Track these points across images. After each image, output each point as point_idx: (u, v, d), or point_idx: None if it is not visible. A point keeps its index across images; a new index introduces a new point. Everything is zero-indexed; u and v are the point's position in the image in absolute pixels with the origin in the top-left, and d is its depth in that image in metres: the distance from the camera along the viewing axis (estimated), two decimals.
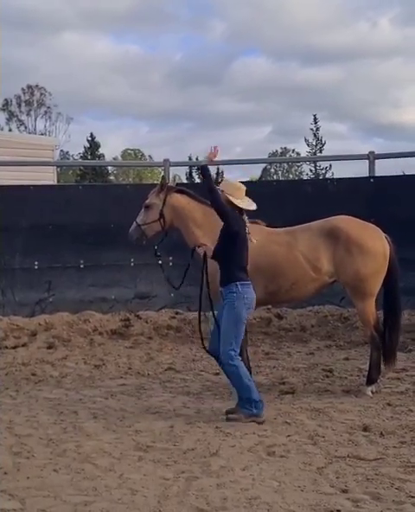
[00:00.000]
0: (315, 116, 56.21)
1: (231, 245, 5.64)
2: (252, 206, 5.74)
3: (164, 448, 4.92)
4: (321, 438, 5.08)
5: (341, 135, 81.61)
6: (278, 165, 66.89)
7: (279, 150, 65.53)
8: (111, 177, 54.19)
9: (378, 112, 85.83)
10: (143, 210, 6.70)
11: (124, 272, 9.74)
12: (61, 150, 51.20)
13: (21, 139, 19.25)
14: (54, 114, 55.22)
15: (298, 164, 63.77)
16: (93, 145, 53.08)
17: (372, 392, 6.26)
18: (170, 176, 10.63)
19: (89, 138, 53.24)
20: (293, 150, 64.34)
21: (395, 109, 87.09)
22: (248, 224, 5.78)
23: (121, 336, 9.07)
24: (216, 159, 5.96)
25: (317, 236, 6.37)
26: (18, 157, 14.82)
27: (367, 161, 9.97)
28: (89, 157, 51.11)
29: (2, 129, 49.08)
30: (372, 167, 9.91)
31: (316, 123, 55.77)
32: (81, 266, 9.76)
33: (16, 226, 9.52)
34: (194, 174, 49.12)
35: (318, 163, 54.21)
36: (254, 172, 55.97)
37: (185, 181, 44.45)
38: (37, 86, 54.96)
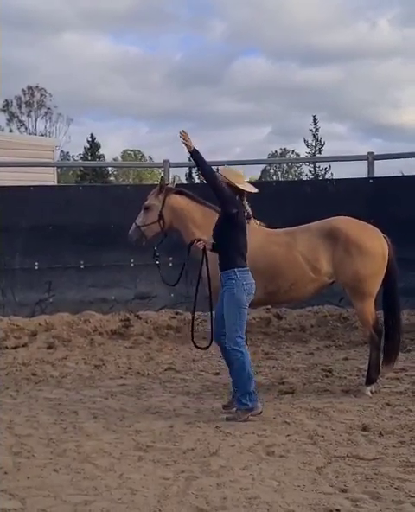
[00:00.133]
0: (314, 117, 56.28)
1: (228, 228, 5.66)
2: (254, 189, 5.77)
3: (164, 448, 4.93)
4: (320, 437, 5.09)
5: (340, 135, 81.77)
6: (278, 166, 66.97)
7: (279, 151, 65.60)
8: (112, 178, 54.21)
9: (377, 112, 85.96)
10: (142, 211, 6.72)
11: (124, 273, 9.76)
12: (62, 151, 51.27)
13: (21, 140, 19.27)
14: (54, 115, 55.30)
15: (298, 165, 63.86)
16: (93, 146, 53.12)
17: (371, 392, 6.27)
18: (170, 177, 10.66)
19: (89, 139, 53.30)
20: (292, 151, 64.44)
21: (394, 109, 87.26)
22: (250, 214, 5.81)
23: (121, 337, 9.08)
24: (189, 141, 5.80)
25: (317, 237, 6.39)
26: (19, 158, 14.83)
27: (366, 162, 9.99)
28: (89, 158, 51.13)
29: (2, 130, 49.09)
30: (371, 168, 9.94)
31: (315, 123, 55.83)
32: (81, 267, 9.78)
33: (17, 226, 9.54)
34: (193, 174, 49.15)
35: (317, 164, 54.31)
36: (254, 173, 56.00)
37: (185, 181, 44.51)
38: (37, 87, 55.03)
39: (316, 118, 56.26)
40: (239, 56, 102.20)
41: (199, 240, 5.86)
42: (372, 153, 10.03)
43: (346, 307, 8.96)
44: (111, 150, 69.27)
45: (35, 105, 54.99)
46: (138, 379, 7.18)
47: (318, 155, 53.45)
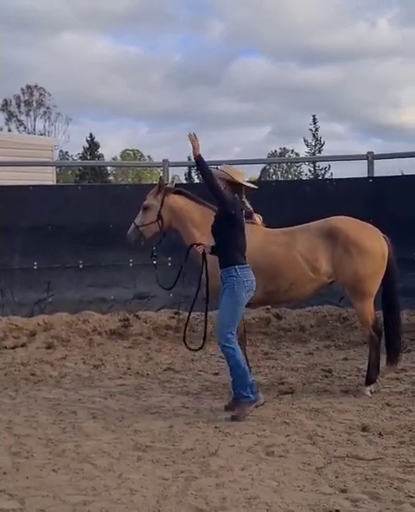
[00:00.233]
0: (314, 116, 56.34)
1: (227, 226, 5.68)
2: (254, 185, 5.80)
3: (163, 448, 4.93)
4: (320, 437, 5.08)
5: (339, 135, 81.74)
6: (277, 165, 66.96)
7: (278, 151, 65.59)
8: (111, 178, 54.23)
9: (377, 112, 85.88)
10: (141, 211, 6.71)
11: (124, 273, 9.75)
12: (61, 151, 51.19)
13: (20, 139, 19.25)
14: (53, 114, 55.29)
15: (297, 165, 63.85)
16: (93, 146, 53.14)
17: (371, 392, 6.27)
18: (169, 177, 10.65)
19: (88, 139, 53.30)
20: (292, 151, 64.44)
21: (394, 109, 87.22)
22: (250, 210, 5.86)
23: (120, 336, 9.07)
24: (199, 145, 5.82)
25: (316, 236, 6.38)
26: (17, 158, 14.82)
27: (366, 161, 9.98)
28: (88, 158, 51.14)
29: (1, 129, 49.08)
30: (370, 167, 9.93)
31: (314, 123, 55.87)
32: (80, 267, 9.77)
33: (16, 226, 9.53)
34: (193, 174, 49.13)
35: (317, 164, 54.33)
36: (253, 172, 56.01)
37: (184, 181, 44.48)
38: (36, 86, 55.01)
39: (316, 117, 56.40)
40: (238, 56, 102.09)
41: (198, 245, 5.88)
42: (371, 153, 10.03)
43: (345, 307, 8.96)
44: (110, 150, 69.56)
45: (34, 105, 54.99)
46: (137, 379, 7.17)
47: (318, 154, 53.50)
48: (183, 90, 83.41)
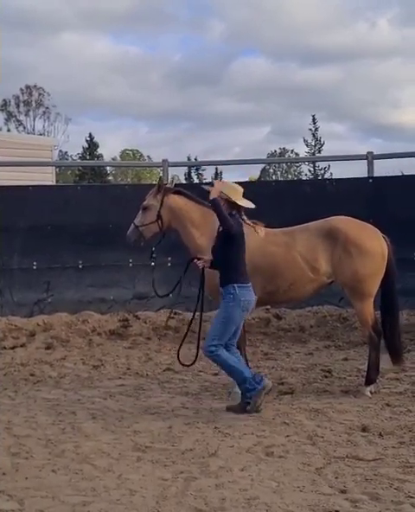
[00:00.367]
0: (313, 116, 56.37)
1: (229, 248, 5.72)
2: (251, 205, 5.82)
3: (163, 448, 4.92)
4: (319, 438, 5.08)
5: (339, 135, 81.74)
6: (277, 165, 66.98)
7: (278, 151, 65.61)
8: (110, 178, 54.24)
9: (377, 112, 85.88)
10: (140, 212, 6.70)
11: (123, 273, 9.75)
12: (60, 151, 51.16)
13: (19, 140, 19.26)
14: (52, 114, 55.27)
15: (297, 165, 63.88)
16: (92, 145, 53.13)
17: (370, 392, 6.26)
18: (169, 177, 10.64)
19: (88, 139, 53.30)
20: (292, 151, 64.47)
21: (394, 109, 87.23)
22: (247, 223, 5.84)
23: (120, 337, 9.07)
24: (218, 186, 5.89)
25: (316, 237, 6.38)
26: (17, 158, 14.82)
27: (366, 161, 9.98)
28: (88, 158, 51.14)
29: (0, 129, 49.06)
30: (370, 167, 9.93)
31: (314, 123, 55.90)
32: (80, 267, 9.77)
33: (15, 226, 9.52)
34: (192, 174, 49.12)
35: (317, 164, 54.38)
36: (253, 172, 56.03)
37: (184, 181, 44.44)
38: (36, 86, 54.98)
39: (316, 117, 56.48)
40: (238, 56, 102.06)
41: (199, 259, 5.90)
42: (371, 153, 10.02)
43: (345, 307, 8.96)
44: (109, 150, 69.50)
45: (34, 105, 54.97)
46: (137, 379, 7.17)
47: (318, 154, 53.53)
48: (183, 90, 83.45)
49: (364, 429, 5.23)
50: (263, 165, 62.37)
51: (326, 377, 7.00)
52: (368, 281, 6.32)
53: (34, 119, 55.25)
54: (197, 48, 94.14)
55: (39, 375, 7.34)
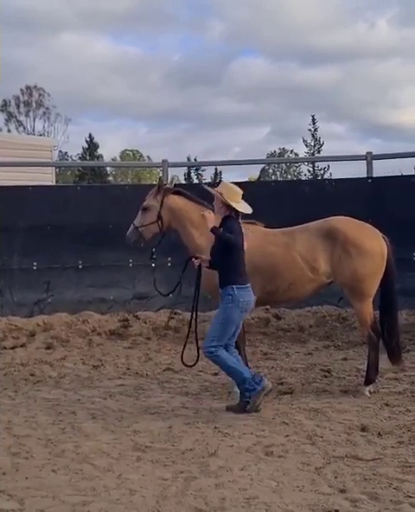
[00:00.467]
0: (313, 117, 56.37)
1: (228, 252, 5.73)
2: (249, 210, 5.84)
3: (163, 448, 4.93)
4: (319, 438, 5.09)
5: (339, 135, 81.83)
6: (277, 166, 67.01)
7: (278, 151, 65.65)
8: (110, 178, 54.24)
9: (376, 112, 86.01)
10: (140, 212, 6.71)
11: (123, 273, 9.76)
12: (60, 151, 51.15)
13: (19, 140, 19.26)
14: (52, 115, 55.28)
15: (296, 165, 63.89)
16: (92, 146, 53.16)
17: (370, 392, 6.28)
18: (169, 177, 10.65)
19: (87, 139, 53.32)
20: (291, 151, 64.50)
21: (393, 110, 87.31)
22: (244, 226, 5.86)
23: (120, 337, 9.08)
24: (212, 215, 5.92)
25: (315, 237, 6.39)
26: (17, 158, 14.82)
27: (365, 161, 9.99)
28: (88, 158, 51.14)
29: (0, 130, 49.06)
30: (370, 167, 9.94)
31: (314, 123, 55.91)
32: (80, 267, 9.78)
33: (15, 226, 9.54)
34: (192, 174, 49.13)
35: (316, 164, 54.39)
36: (253, 172, 56.07)
37: (183, 181, 44.41)
38: (36, 86, 55.02)
39: (315, 118, 56.48)
40: (238, 56, 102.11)
41: (196, 258, 5.91)
42: (370, 153, 10.03)
43: (345, 307, 8.97)
44: (109, 150, 69.53)
45: (34, 105, 54.98)
46: (137, 379, 7.18)
47: (317, 155, 53.54)
48: (183, 90, 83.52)
49: (363, 429, 5.24)
50: (262, 165, 62.44)
51: (325, 377, 7.01)
52: (368, 281, 6.33)
53: (34, 120, 55.32)
54: (197, 48, 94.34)
55: (39, 375, 7.35)
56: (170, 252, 8.18)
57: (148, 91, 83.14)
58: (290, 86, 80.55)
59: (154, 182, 7.75)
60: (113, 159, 57.40)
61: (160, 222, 6.61)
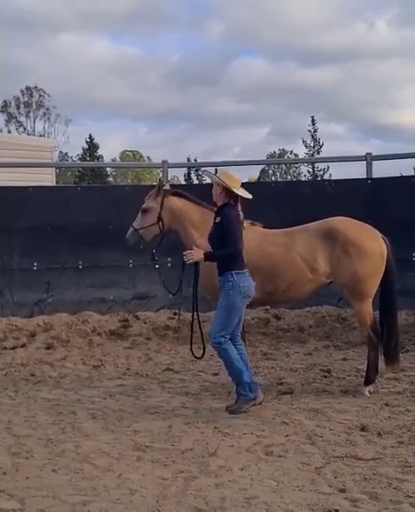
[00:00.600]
0: (312, 117, 56.38)
1: (226, 242, 5.70)
2: (249, 195, 5.84)
3: (163, 448, 4.94)
4: (319, 437, 5.10)
5: (338, 136, 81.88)
6: (276, 166, 67.02)
7: (277, 152, 65.65)
8: (110, 178, 54.24)
9: (375, 112, 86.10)
10: (139, 214, 6.71)
11: (123, 273, 9.76)
12: (60, 152, 51.18)
13: (20, 141, 19.27)
14: (52, 116, 55.28)
15: (296, 166, 63.89)
16: (92, 147, 53.14)
17: (369, 392, 6.28)
18: (169, 178, 10.67)
19: (87, 140, 53.32)
20: (291, 152, 64.50)
21: (393, 110, 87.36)
22: (245, 224, 5.87)
23: (120, 337, 9.08)
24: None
25: (315, 237, 6.39)
26: (17, 159, 14.84)
27: (365, 162, 10.00)
28: (88, 159, 51.12)
29: (1, 130, 49.05)
30: (369, 168, 9.95)
31: (313, 124, 55.92)
32: (80, 267, 9.78)
33: (15, 226, 9.54)
34: (192, 175, 49.14)
35: (316, 165, 54.39)
36: (252, 173, 56.08)
37: (183, 182, 44.44)
38: (36, 87, 55.00)
39: (315, 118, 56.47)
40: (237, 57, 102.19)
41: (191, 251, 5.89)
42: (370, 154, 10.04)
43: (344, 307, 8.97)
44: (109, 151, 69.58)
45: (34, 106, 54.98)
46: (137, 379, 7.19)
47: (317, 155, 53.55)
48: (182, 90, 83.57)
49: (363, 429, 5.24)
50: (262, 166, 62.46)
51: (325, 377, 7.02)
52: (367, 281, 6.33)
53: (34, 121, 55.31)
54: (196, 49, 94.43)
55: (39, 375, 7.35)
56: (170, 252, 8.18)
57: (147, 91, 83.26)
58: (289, 87, 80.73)
59: (154, 183, 7.76)
60: (113, 160, 57.39)
61: (160, 224, 6.63)
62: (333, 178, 30.44)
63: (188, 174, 51.31)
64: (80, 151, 53.69)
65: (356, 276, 6.28)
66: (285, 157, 62.47)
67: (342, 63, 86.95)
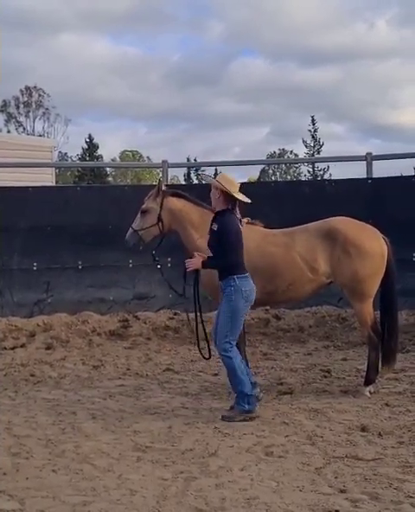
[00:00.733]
0: (313, 117, 56.41)
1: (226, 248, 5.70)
2: (248, 199, 5.82)
3: (163, 448, 4.93)
4: (319, 438, 5.09)
5: (338, 136, 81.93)
6: (276, 166, 67.04)
7: (277, 152, 65.66)
8: (110, 178, 54.24)
9: (376, 112, 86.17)
10: (139, 215, 6.70)
11: (123, 273, 9.76)
12: (60, 152, 51.24)
13: (19, 141, 19.26)
14: (52, 116, 55.28)
15: (296, 165, 63.92)
16: (92, 146, 53.14)
17: (370, 392, 6.28)
18: (168, 178, 10.67)
19: (87, 140, 53.31)
20: (291, 152, 64.51)
21: (393, 110, 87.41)
22: (244, 222, 5.87)
23: (119, 337, 9.07)
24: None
25: (315, 237, 6.39)
26: (17, 159, 14.83)
27: (365, 162, 9.99)
28: (87, 159, 51.12)
29: (0, 130, 49.06)
30: (369, 168, 9.94)
31: (313, 124, 55.95)
32: (80, 267, 9.78)
33: (15, 226, 9.54)
34: (192, 175, 49.14)
35: (316, 165, 54.42)
36: (252, 173, 56.09)
37: (183, 182, 44.43)
38: (36, 87, 55.01)
39: (315, 118, 56.51)
40: (237, 57, 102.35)
41: (192, 257, 5.87)
42: (370, 154, 10.04)
43: (344, 307, 8.97)
44: (109, 151, 69.54)
45: (33, 106, 54.97)
46: (137, 379, 7.18)
47: (317, 155, 53.55)
48: (182, 90, 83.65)
49: (363, 429, 5.24)
50: (262, 166, 62.48)
51: (325, 377, 7.01)
52: (368, 282, 6.33)
53: (33, 120, 55.32)
54: (196, 49, 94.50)
55: (39, 376, 7.35)
56: (170, 252, 8.18)
57: (147, 91, 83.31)
58: (289, 87, 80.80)
59: (154, 183, 7.75)
60: (113, 160, 57.39)
61: (160, 224, 6.61)
62: (333, 178, 30.44)
63: (188, 174, 51.33)
64: (80, 151, 53.77)
65: (357, 276, 6.28)
66: (285, 157, 62.46)
67: (342, 63, 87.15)
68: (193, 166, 49.39)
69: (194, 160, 43.79)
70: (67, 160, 53.62)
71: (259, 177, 58.18)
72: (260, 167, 62.88)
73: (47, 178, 16.42)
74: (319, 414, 5.69)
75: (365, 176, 10.00)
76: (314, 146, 55.90)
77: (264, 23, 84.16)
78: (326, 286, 6.61)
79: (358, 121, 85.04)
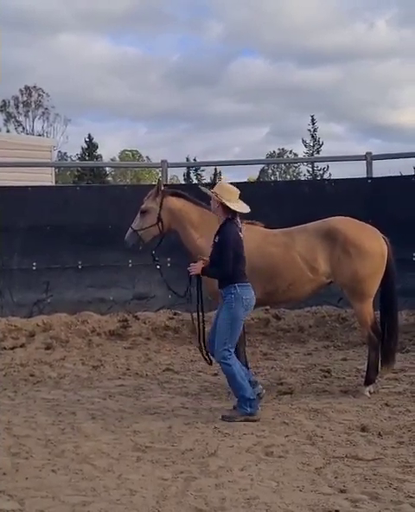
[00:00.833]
0: (312, 117, 56.42)
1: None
2: (246, 209, 5.80)
3: (163, 448, 4.93)
4: (319, 438, 5.09)
5: (338, 136, 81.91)
6: (276, 166, 67.03)
7: (277, 151, 65.66)
8: (109, 178, 54.22)
9: (375, 112, 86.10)
10: (138, 215, 6.69)
11: (123, 273, 9.75)
12: (59, 152, 51.20)
13: (19, 140, 19.23)
14: (51, 115, 55.27)
15: (296, 165, 63.90)
16: (91, 146, 53.13)
17: (370, 392, 6.27)
18: (168, 178, 10.66)
19: (87, 139, 53.30)
20: (290, 151, 64.52)
21: (393, 110, 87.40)
22: (243, 225, 5.84)
23: (119, 337, 9.07)
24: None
25: (315, 237, 6.38)
26: (16, 158, 14.82)
27: (365, 162, 9.99)
28: (87, 158, 51.11)
29: (0, 130, 49.05)
30: (369, 168, 9.94)
31: (313, 124, 55.95)
32: (79, 267, 9.77)
33: (15, 226, 9.53)
34: (191, 175, 49.14)
35: (316, 164, 54.42)
36: (252, 173, 56.07)
37: (183, 182, 44.45)
38: (35, 87, 54.99)
39: (314, 118, 56.52)
40: (237, 57, 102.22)
41: (196, 262, 5.86)
42: (370, 153, 10.03)
43: (344, 307, 8.96)
44: (108, 151, 69.48)
45: (33, 106, 54.96)
46: (137, 379, 7.18)
47: (316, 155, 53.55)
48: (182, 90, 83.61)
49: (363, 429, 5.24)
50: (262, 166, 62.48)
51: (325, 377, 7.01)
52: (368, 281, 6.32)
53: (33, 120, 55.30)
54: (196, 49, 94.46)
55: (38, 376, 7.34)
56: (170, 252, 8.18)
57: (147, 91, 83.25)
58: (289, 87, 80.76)
59: (153, 183, 7.74)
60: (112, 159, 57.37)
61: (160, 224, 6.60)
62: (333, 178, 30.41)
63: (188, 174, 51.34)
64: (79, 151, 53.76)
65: (357, 276, 6.27)
66: (285, 157, 62.47)
67: (342, 63, 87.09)
68: (192, 166, 49.46)
69: (194, 160, 43.78)
70: (66, 160, 53.61)
71: (259, 177, 58.17)
72: (260, 167, 62.92)
73: (46, 178, 16.40)
74: (319, 414, 5.68)
75: (365, 176, 9.99)
76: (313, 146, 55.91)
77: (263, 23, 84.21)
78: (326, 286, 6.61)
79: (358, 121, 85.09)
